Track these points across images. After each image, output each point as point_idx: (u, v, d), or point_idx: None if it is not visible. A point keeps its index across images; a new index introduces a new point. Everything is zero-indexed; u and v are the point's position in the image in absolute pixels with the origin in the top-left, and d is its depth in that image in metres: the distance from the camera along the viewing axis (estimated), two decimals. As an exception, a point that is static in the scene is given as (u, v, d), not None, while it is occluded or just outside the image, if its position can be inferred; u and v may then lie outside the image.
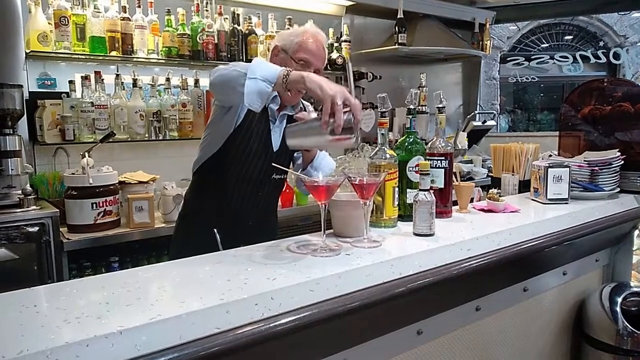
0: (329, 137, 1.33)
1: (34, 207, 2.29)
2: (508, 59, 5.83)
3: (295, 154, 1.96)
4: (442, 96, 1.69)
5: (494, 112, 5.39)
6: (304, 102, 2.03)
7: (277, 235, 2.01)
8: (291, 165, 1.97)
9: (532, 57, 5.86)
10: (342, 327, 1.12)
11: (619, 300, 1.89)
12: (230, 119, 1.77)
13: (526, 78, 5.95)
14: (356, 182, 1.29)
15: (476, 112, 4.85)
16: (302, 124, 1.50)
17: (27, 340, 0.77)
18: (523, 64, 5.70)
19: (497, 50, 7.06)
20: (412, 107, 1.60)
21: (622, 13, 6.63)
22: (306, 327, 1.00)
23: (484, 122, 4.76)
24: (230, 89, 1.51)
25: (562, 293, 1.92)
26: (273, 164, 1.60)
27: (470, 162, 4.20)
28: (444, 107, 1.69)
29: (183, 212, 1.99)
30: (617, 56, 5.81)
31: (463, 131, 4.36)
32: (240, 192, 1.83)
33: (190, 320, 0.88)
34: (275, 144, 1.85)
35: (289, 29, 3.40)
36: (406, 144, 1.59)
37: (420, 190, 1.42)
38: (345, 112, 1.29)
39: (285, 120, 1.87)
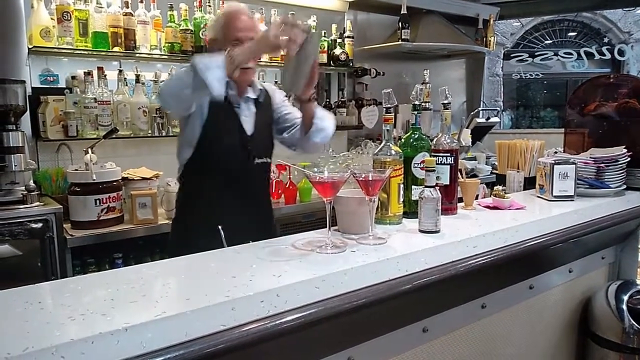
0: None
1: (37, 203, 2.28)
2: (512, 55, 5.80)
3: (293, 119, 1.97)
4: (447, 92, 1.67)
5: (498, 108, 5.36)
6: (265, 85, 2.03)
7: (274, 224, 2.04)
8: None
9: (536, 53, 5.83)
10: (347, 324, 1.12)
11: (625, 298, 1.87)
12: (195, 122, 1.80)
13: (530, 75, 5.92)
14: (362, 179, 1.28)
15: (480, 108, 4.82)
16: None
17: (32, 337, 0.77)
18: (527, 60, 5.67)
19: (501, 46, 7.03)
20: (417, 103, 1.59)
21: (627, 9, 6.59)
22: (312, 324, 1.00)
23: (488, 118, 4.74)
24: (186, 95, 1.62)
25: (568, 291, 1.91)
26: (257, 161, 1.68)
27: (474, 159, 4.18)
28: (449, 103, 1.68)
29: (176, 216, 2.00)
30: (621, 53, 5.78)
31: (467, 128, 4.34)
32: (227, 185, 1.83)
33: (195, 317, 0.87)
34: (248, 128, 1.87)
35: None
36: (411, 140, 1.58)
37: (426, 186, 1.41)
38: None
39: (252, 104, 1.91)
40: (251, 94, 1.91)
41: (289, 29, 1.55)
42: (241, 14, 1.83)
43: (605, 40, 7.40)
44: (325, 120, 1.93)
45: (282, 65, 1.59)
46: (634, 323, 1.83)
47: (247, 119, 1.88)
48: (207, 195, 1.86)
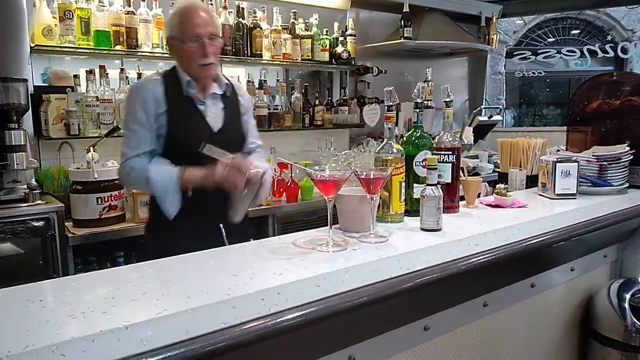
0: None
1: (39, 201, 2.29)
2: (514, 53, 5.78)
3: (249, 143, 1.99)
4: (449, 90, 1.67)
5: (500, 107, 5.35)
6: (232, 81, 1.99)
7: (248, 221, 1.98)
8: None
9: (539, 51, 5.81)
10: (348, 322, 1.11)
11: (628, 296, 1.87)
12: (158, 124, 1.80)
13: (533, 73, 5.90)
14: (363, 177, 1.28)
15: (482, 106, 4.81)
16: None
17: (33, 335, 0.77)
18: (530, 58, 5.65)
19: (503, 44, 7.00)
20: (419, 100, 1.58)
21: (630, 7, 6.56)
22: (313, 322, 0.99)
23: (490, 117, 4.73)
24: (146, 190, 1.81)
25: (570, 289, 1.91)
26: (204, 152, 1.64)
27: (476, 157, 4.17)
28: (452, 101, 1.67)
29: (151, 216, 1.94)
30: (624, 50, 5.75)
31: (469, 126, 4.34)
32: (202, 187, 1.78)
33: (196, 315, 0.87)
34: (216, 124, 1.85)
35: (294, 23, 3.39)
36: (413, 138, 1.57)
37: (428, 185, 1.40)
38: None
39: (219, 100, 1.89)
40: (217, 90, 1.88)
41: (234, 172, 1.68)
42: (198, 9, 1.79)
43: (609, 38, 7.37)
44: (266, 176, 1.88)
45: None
46: (636, 321, 1.83)
47: (214, 115, 1.86)
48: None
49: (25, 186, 2.31)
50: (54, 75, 2.71)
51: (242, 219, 1.81)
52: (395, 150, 1.48)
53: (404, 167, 1.50)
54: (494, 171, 4.03)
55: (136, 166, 1.77)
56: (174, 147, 1.80)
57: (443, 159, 1.60)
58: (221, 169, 1.68)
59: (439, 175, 1.53)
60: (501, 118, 5.03)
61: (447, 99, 1.67)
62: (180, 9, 1.81)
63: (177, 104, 1.79)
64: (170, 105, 1.78)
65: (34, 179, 2.39)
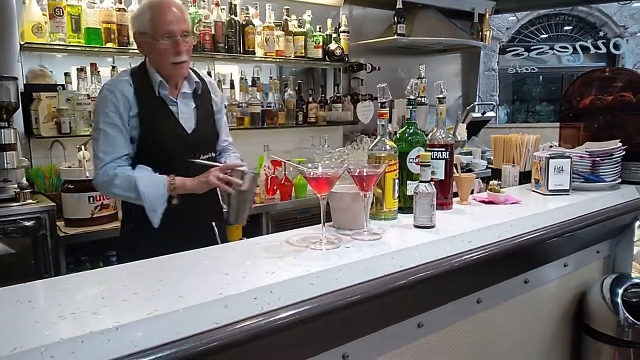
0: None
1: (30, 201, 2.27)
2: (508, 49, 5.80)
3: (221, 141, 1.98)
4: (442, 86, 1.66)
5: (493, 103, 5.36)
6: (205, 78, 1.95)
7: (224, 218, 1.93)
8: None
9: (532, 47, 5.82)
10: (342, 320, 1.11)
11: (620, 291, 1.88)
12: (130, 127, 1.74)
13: (525, 69, 5.92)
14: (356, 174, 1.28)
15: (475, 103, 4.82)
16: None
17: (22, 337, 0.76)
18: (523, 54, 5.67)
19: (496, 41, 7.02)
20: (412, 97, 1.58)
21: (622, 3, 6.59)
22: (306, 321, 0.99)
23: (484, 113, 4.74)
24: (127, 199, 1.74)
25: (563, 285, 1.91)
26: (192, 160, 1.67)
27: (470, 153, 4.18)
28: (445, 97, 1.67)
29: (125, 217, 1.90)
30: (617, 46, 5.77)
31: (462, 122, 4.34)
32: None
33: (187, 315, 0.86)
34: (188, 125, 1.81)
35: (286, 19, 3.37)
36: (406, 135, 1.57)
37: (421, 181, 1.40)
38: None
39: (191, 99, 1.84)
40: (187, 89, 1.83)
41: (229, 173, 1.71)
42: (171, 5, 1.73)
43: (601, 34, 7.40)
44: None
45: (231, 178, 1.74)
46: (629, 316, 1.83)
47: (187, 116, 1.82)
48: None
49: (15, 185, 2.28)
50: (31, 74, 2.66)
51: (238, 222, 1.81)
52: (388, 147, 1.47)
53: (397, 164, 1.49)
54: (487, 167, 4.04)
55: (120, 174, 1.70)
56: (147, 150, 1.75)
57: (436, 156, 1.60)
58: (217, 173, 1.70)
59: (432, 172, 1.53)
60: (494, 114, 5.04)
61: (440, 96, 1.67)
62: (151, 3, 1.73)
63: (149, 105, 1.75)
64: (141, 107, 1.73)
65: (24, 178, 2.36)
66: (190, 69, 1.86)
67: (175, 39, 1.71)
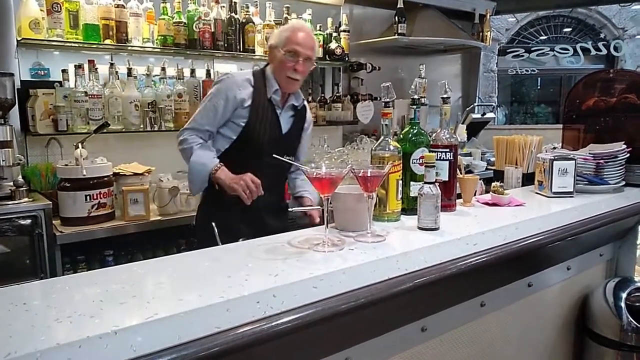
0: None
1: (26, 199, 2.24)
2: (508, 51, 5.78)
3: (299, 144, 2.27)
4: (446, 86, 1.64)
5: (493, 104, 5.34)
6: (307, 104, 2.31)
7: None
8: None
9: (532, 49, 5.81)
10: (345, 324, 1.08)
11: (624, 295, 1.85)
12: (238, 122, 2.05)
13: (526, 70, 5.90)
14: (360, 175, 1.25)
15: (475, 104, 4.80)
16: None
17: (16, 342, 0.73)
18: (522, 56, 5.65)
19: (495, 42, 7.01)
20: (416, 97, 1.55)
21: (623, 5, 6.59)
22: (309, 325, 0.96)
23: (483, 114, 4.72)
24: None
25: (566, 288, 1.89)
26: (275, 156, 1.72)
27: (469, 154, 4.16)
28: (449, 97, 1.64)
29: (203, 200, 2.20)
30: (617, 48, 5.77)
31: (462, 123, 4.32)
32: (260, 175, 1.97)
33: (188, 319, 0.83)
34: (284, 128, 2.13)
35: (287, 18, 3.34)
36: (410, 135, 1.55)
37: (426, 182, 1.38)
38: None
39: (291, 110, 2.16)
40: (293, 102, 2.16)
41: (246, 186, 1.93)
42: (307, 34, 2.06)
43: (601, 35, 7.40)
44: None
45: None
46: (632, 320, 1.81)
47: (285, 121, 2.13)
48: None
49: (11, 183, 2.25)
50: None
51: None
52: (392, 148, 1.45)
53: (401, 165, 1.47)
54: (487, 169, 4.02)
55: (189, 140, 2.05)
56: (246, 137, 2.05)
57: (440, 157, 1.57)
58: (238, 180, 1.95)
59: (436, 173, 1.50)
60: (494, 115, 5.03)
61: (445, 96, 1.64)
62: (293, 26, 2.09)
63: (261, 103, 2.06)
64: (254, 102, 2.04)
65: (20, 176, 2.33)
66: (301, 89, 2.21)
67: (297, 59, 2.02)
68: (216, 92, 2.06)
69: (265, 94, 2.07)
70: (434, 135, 1.61)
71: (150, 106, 2.79)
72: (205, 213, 2.16)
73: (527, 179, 2.16)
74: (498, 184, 1.83)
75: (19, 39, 2.46)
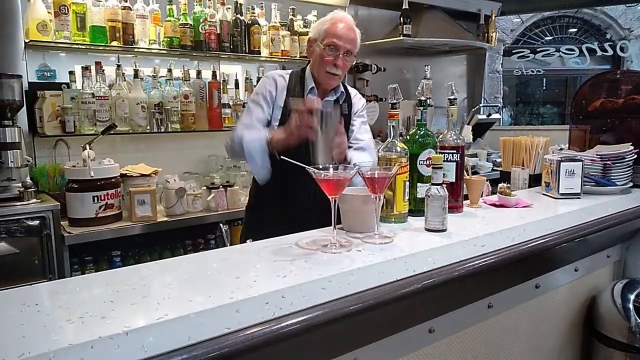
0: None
1: (34, 200, 2.25)
2: (513, 51, 5.77)
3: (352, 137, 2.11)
4: (453, 88, 1.64)
5: (498, 105, 5.33)
6: (350, 90, 2.14)
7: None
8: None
9: (538, 49, 5.79)
10: (353, 326, 1.08)
11: (632, 297, 1.85)
12: (274, 117, 1.98)
13: (531, 71, 5.88)
14: (368, 176, 1.25)
15: (481, 105, 4.79)
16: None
17: (29, 342, 0.74)
18: (528, 56, 5.63)
19: (501, 43, 6.99)
20: (423, 98, 1.55)
21: (629, 5, 6.56)
22: (318, 326, 0.96)
23: (489, 115, 4.71)
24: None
25: (573, 290, 1.88)
26: (282, 157, 1.63)
27: (475, 155, 4.15)
28: (456, 99, 1.64)
29: (250, 204, 2.17)
30: (623, 49, 5.74)
31: (468, 124, 4.32)
32: (297, 177, 1.84)
33: (199, 320, 0.84)
34: None
35: (292, 19, 3.35)
36: (417, 136, 1.55)
37: (433, 184, 1.38)
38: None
39: (330, 106, 2.00)
40: (331, 97, 2.02)
41: (303, 116, 1.73)
42: (347, 24, 1.93)
43: (607, 36, 7.36)
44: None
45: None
46: (641, 322, 1.81)
47: None
48: (280, 186, 1.95)
49: (19, 184, 2.26)
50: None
51: (327, 161, 1.77)
52: (399, 149, 1.45)
53: (408, 166, 1.47)
54: (492, 170, 4.01)
55: (238, 133, 1.94)
56: None
57: (447, 158, 1.57)
58: (294, 118, 1.76)
59: (443, 175, 1.50)
60: (500, 116, 5.02)
61: (451, 97, 1.64)
62: (333, 18, 1.95)
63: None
64: (287, 103, 1.95)
65: (28, 177, 2.35)
66: (342, 83, 2.06)
67: (337, 53, 1.89)
68: (257, 89, 2.05)
69: (301, 94, 1.98)
70: (440, 136, 1.61)
71: (156, 107, 2.80)
72: (253, 223, 2.11)
73: (534, 180, 2.15)
74: (505, 185, 1.83)
75: (26, 41, 2.48)
